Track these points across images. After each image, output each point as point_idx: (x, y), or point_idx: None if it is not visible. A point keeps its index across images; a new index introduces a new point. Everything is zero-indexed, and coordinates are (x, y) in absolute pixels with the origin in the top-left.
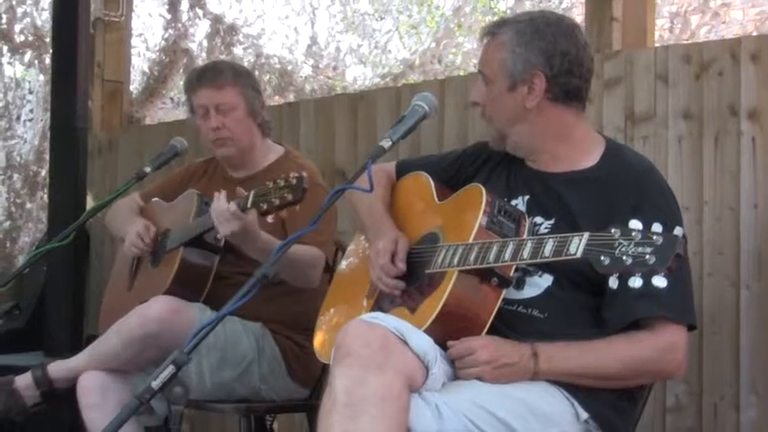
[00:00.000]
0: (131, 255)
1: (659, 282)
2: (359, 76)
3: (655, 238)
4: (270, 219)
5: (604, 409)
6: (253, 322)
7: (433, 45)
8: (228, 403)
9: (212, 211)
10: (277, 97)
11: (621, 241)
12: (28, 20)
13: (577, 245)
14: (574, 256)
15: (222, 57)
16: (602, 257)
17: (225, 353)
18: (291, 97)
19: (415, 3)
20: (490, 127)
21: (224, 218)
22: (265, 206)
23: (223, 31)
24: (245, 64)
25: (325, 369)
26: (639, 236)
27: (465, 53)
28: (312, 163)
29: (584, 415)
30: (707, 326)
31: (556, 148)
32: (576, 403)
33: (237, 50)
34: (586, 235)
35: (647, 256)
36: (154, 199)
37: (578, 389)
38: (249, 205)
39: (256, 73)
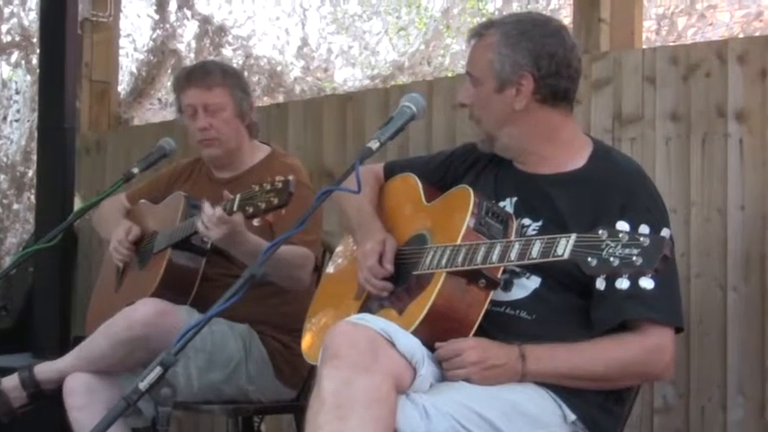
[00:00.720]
0: (115, 263)
1: (646, 283)
2: (349, 78)
3: (642, 239)
4: (256, 222)
5: (592, 410)
6: (240, 324)
7: (423, 47)
8: (216, 404)
9: (198, 219)
10: (266, 98)
11: (609, 242)
12: (15, 20)
13: (564, 246)
14: (561, 258)
15: (211, 58)
16: (590, 259)
17: (212, 354)
18: (281, 98)
19: (404, 4)
20: (478, 128)
21: (211, 223)
22: (251, 210)
23: (212, 32)
24: (234, 65)
25: (312, 370)
26: (626, 237)
27: (453, 54)
28: (299, 162)
29: (572, 416)
30: (694, 327)
31: (544, 149)
32: (563, 405)
33: (227, 51)
34: (573, 236)
35: (634, 258)
36: (141, 201)
37: (566, 390)
38: (235, 209)
39: (245, 74)
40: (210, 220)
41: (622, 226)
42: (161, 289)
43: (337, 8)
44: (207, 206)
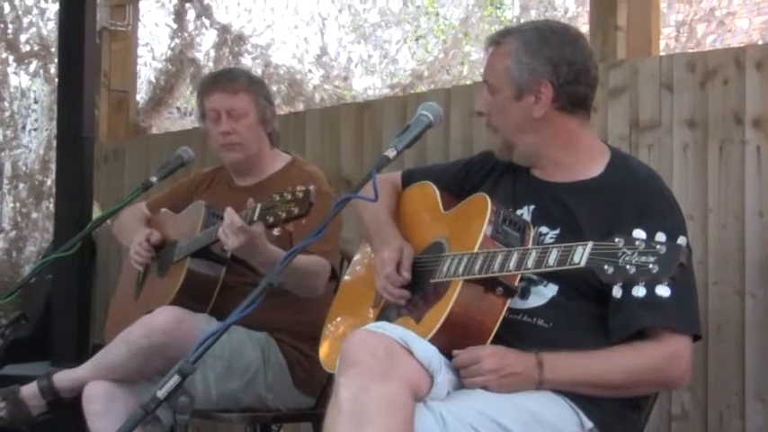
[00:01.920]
0: (135, 266)
1: (663, 291)
2: (369, 87)
3: (658, 247)
4: (276, 231)
5: (609, 417)
6: (258, 332)
7: (442, 55)
8: (234, 413)
9: (220, 226)
10: (287, 107)
11: (625, 250)
12: (33, 30)
13: (581, 254)
14: (578, 266)
15: (231, 66)
16: (606, 267)
17: (230, 363)
18: (301, 107)
19: (423, 13)
20: (495, 137)
21: (231, 231)
22: (272, 219)
23: (231, 40)
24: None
25: (330, 378)
26: (643, 245)
27: (472, 63)
28: (319, 170)
29: (589, 424)
30: (712, 334)
31: (561, 156)
32: (580, 412)
33: (245, 60)
34: (590, 244)
35: (651, 266)
36: (162, 209)
37: (583, 398)
38: (256, 218)
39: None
40: (231, 228)
41: (638, 234)
42: (180, 297)
43: (356, 17)
44: (228, 214)
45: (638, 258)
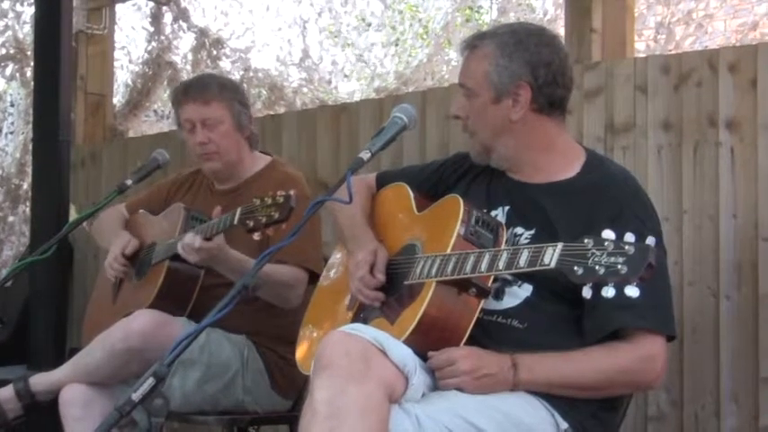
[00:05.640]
0: (109, 278)
1: (631, 291)
2: (351, 92)
3: (627, 248)
4: (256, 236)
5: (584, 418)
6: (237, 335)
7: (425, 60)
8: (212, 415)
9: (179, 246)
10: (268, 112)
11: (594, 251)
12: (9, 33)
13: (551, 255)
14: (548, 267)
15: (208, 70)
16: (576, 267)
17: (209, 366)
18: (282, 111)
19: (407, 18)
20: (473, 141)
21: (190, 249)
22: (252, 224)
23: (209, 44)
24: (233, 78)
25: (307, 381)
26: (612, 246)
27: (455, 68)
28: (299, 173)
29: (564, 425)
30: (687, 335)
31: (539, 158)
32: (555, 413)
33: (224, 64)
34: (560, 245)
35: (619, 266)
36: (140, 211)
37: (558, 398)
38: (236, 222)
39: (245, 86)
40: (188, 248)
41: (608, 234)
42: (158, 300)
43: (338, 20)
44: (188, 235)
45: (606, 259)
